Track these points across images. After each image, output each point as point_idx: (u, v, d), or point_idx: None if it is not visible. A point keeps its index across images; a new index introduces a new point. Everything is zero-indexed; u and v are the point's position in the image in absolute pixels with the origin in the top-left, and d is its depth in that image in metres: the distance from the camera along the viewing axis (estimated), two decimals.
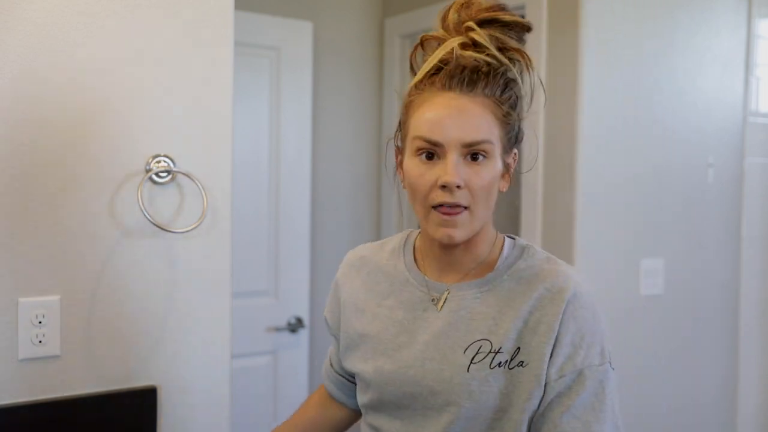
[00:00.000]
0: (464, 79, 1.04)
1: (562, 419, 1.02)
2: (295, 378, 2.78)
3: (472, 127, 1.02)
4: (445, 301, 1.10)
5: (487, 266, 1.12)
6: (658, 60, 2.32)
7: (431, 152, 1.04)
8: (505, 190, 1.10)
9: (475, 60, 1.05)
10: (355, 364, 1.19)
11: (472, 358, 1.05)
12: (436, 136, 1.02)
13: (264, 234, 2.69)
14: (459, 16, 1.07)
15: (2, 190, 1.33)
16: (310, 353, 2.80)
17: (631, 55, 2.26)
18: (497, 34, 1.06)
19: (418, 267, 1.17)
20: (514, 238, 1.16)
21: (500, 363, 1.04)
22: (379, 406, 1.15)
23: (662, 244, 2.37)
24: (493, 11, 1.06)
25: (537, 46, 2.19)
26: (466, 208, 1.03)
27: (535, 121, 2.20)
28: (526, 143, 1.29)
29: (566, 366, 1.02)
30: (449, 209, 1.03)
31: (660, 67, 2.33)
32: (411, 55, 1.13)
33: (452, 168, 1.01)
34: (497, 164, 1.05)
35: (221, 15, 1.50)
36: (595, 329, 1.05)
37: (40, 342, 1.36)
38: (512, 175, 1.11)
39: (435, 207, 1.04)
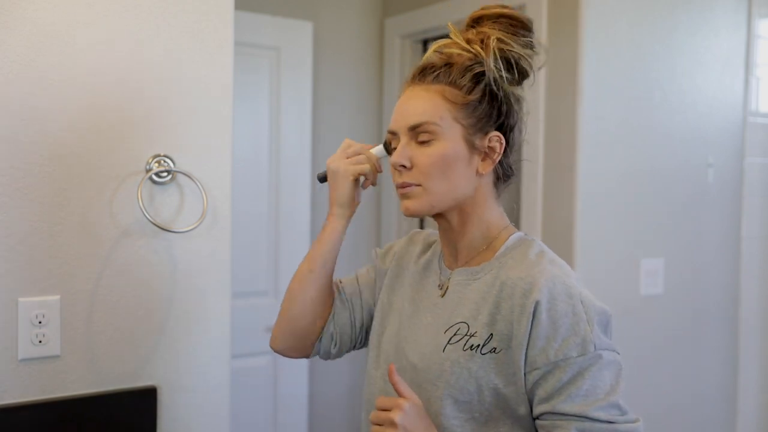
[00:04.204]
0: (417, 72, 1.13)
1: (536, 408, 1.04)
2: (294, 378, 2.78)
3: (416, 111, 1.10)
4: (448, 288, 1.16)
5: (488, 255, 1.15)
6: (658, 60, 2.32)
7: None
8: (485, 172, 1.12)
9: (439, 55, 1.13)
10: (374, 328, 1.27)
11: (449, 339, 1.09)
12: (392, 126, 1.14)
13: (264, 234, 2.69)
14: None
15: (2, 190, 1.33)
16: None
17: (631, 55, 2.26)
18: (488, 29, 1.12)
19: (441, 254, 1.23)
20: (524, 234, 1.17)
21: (473, 346, 1.07)
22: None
23: (662, 244, 2.37)
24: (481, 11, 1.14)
25: None
26: (418, 185, 1.11)
27: (535, 120, 2.21)
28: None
29: (539, 358, 1.02)
30: (401, 186, 1.13)
31: (660, 67, 2.33)
32: None
33: (399, 150, 1.11)
34: (448, 144, 1.09)
35: (221, 15, 1.50)
36: (574, 323, 1.02)
37: (40, 342, 1.36)
38: (496, 158, 1.12)
39: (397, 188, 1.14)
